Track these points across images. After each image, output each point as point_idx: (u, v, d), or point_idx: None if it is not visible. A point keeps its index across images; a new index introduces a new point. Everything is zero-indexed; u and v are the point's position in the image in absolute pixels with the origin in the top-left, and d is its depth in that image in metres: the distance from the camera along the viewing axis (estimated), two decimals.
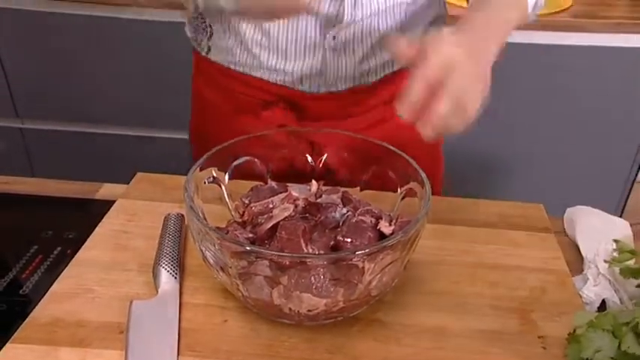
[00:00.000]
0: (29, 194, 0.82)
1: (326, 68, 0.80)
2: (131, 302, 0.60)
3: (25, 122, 1.85)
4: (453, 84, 0.56)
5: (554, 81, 1.64)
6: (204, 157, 0.65)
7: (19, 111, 1.82)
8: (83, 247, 0.68)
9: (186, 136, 1.00)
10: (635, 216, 0.67)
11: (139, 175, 0.82)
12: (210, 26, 0.84)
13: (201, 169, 0.65)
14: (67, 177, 0.85)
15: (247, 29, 0.80)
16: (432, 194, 0.60)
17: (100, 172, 1.01)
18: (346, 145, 0.72)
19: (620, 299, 0.62)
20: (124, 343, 0.56)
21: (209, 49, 0.86)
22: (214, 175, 0.67)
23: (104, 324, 0.58)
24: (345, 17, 0.76)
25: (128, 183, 0.81)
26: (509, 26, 0.69)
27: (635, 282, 0.59)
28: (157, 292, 0.61)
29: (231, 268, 0.54)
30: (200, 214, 0.59)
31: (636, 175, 1.78)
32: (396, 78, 0.85)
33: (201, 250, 0.57)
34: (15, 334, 0.56)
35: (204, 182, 0.66)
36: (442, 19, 0.89)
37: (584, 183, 1.75)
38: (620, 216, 1.91)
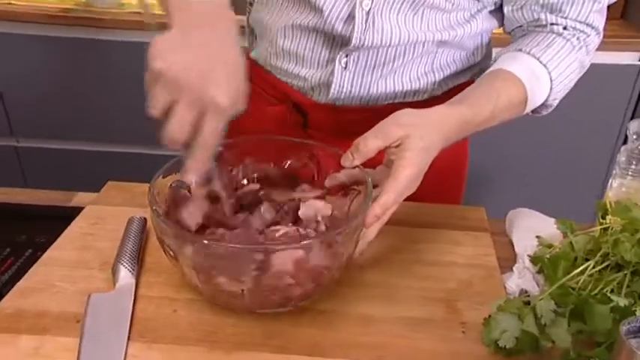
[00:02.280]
0: (6, 202, 0.88)
1: (334, 82, 0.84)
2: (89, 295, 0.65)
3: (20, 141, 1.92)
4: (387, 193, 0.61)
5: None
6: (171, 162, 0.70)
7: (14, 130, 1.89)
8: (50, 247, 0.74)
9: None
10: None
11: (110, 183, 0.88)
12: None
13: (164, 176, 0.69)
14: (57, 189, 0.91)
15: (273, 32, 0.86)
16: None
17: (90, 185, 1.07)
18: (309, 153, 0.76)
19: (540, 290, 0.67)
20: (80, 331, 0.61)
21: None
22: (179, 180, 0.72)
23: (63, 314, 0.64)
24: (354, 41, 0.78)
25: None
26: (481, 126, 0.73)
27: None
28: (115, 286, 0.67)
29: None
30: (160, 210, 0.64)
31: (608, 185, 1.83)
32: (411, 105, 0.85)
33: (161, 241, 0.62)
34: None
35: (171, 185, 0.70)
36: (486, 58, 0.89)
37: (557, 193, 1.80)
38: None
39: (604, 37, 1.68)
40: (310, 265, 0.58)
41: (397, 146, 0.63)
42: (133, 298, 0.66)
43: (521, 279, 0.69)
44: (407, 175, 0.62)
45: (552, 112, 1.72)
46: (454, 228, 0.80)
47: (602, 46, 1.60)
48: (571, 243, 0.56)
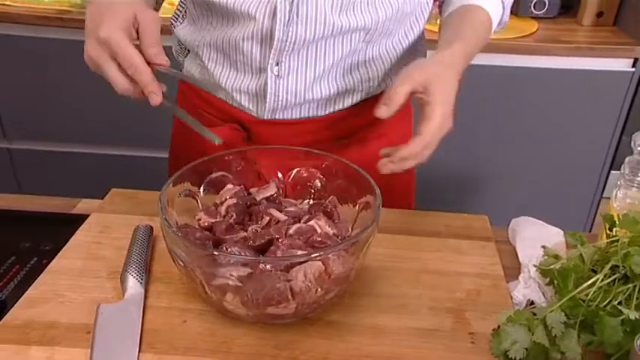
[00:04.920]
0: (10, 209, 0.87)
1: (269, 92, 0.82)
2: (99, 305, 0.65)
3: (12, 143, 1.91)
4: (429, 142, 0.69)
5: (519, 101, 1.72)
6: (180, 172, 0.71)
7: (7, 132, 1.88)
8: (57, 256, 0.74)
9: (162, 155, 1.06)
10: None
11: (113, 190, 0.88)
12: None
13: (174, 184, 0.70)
14: (51, 194, 0.91)
15: (201, 50, 0.86)
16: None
17: (81, 189, 1.07)
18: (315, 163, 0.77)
19: (546, 300, 0.68)
20: (90, 342, 0.61)
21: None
22: (189, 189, 0.73)
23: (73, 325, 0.63)
24: (277, 34, 0.77)
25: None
26: (474, 54, 0.80)
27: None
28: (124, 296, 0.67)
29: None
30: (173, 221, 0.65)
31: (602, 191, 1.86)
32: (349, 114, 0.87)
33: (173, 252, 0.62)
34: None
35: (179, 195, 0.71)
36: (419, 53, 0.90)
37: (552, 199, 1.82)
38: (590, 231, 1.98)
39: (597, 43, 1.71)
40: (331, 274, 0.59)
41: (422, 92, 0.71)
42: (142, 308, 0.66)
43: (527, 289, 0.70)
44: (438, 112, 0.70)
45: (546, 116, 1.75)
46: (458, 237, 0.81)
47: (596, 53, 1.64)
48: (581, 255, 0.57)
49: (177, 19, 0.92)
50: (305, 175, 0.78)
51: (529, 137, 1.78)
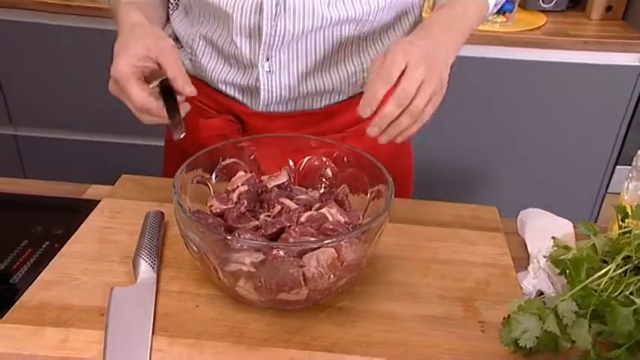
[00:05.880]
0: (22, 194, 0.88)
1: (262, 89, 0.82)
2: (112, 288, 0.66)
3: (18, 130, 1.91)
4: (401, 89, 0.63)
5: (527, 94, 1.72)
6: (193, 157, 0.71)
7: (13, 119, 1.88)
8: (70, 240, 0.74)
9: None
10: (608, 225, 0.72)
11: (124, 176, 0.88)
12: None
13: (187, 170, 0.70)
14: (57, 180, 0.91)
15: (194, 43, 0.86)
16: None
17: (87, 176, 1.07)
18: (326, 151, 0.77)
19: (555, 290, 0.69)
20: (104, 324, 0.61)
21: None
22: (202, 175, 0.73)
23: (86, 308, 0.64)
24: (265, 28, 0.76)
25: (114, 184, 0.87)
26: (468, 27, 0.75)
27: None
28: (136, 280, 0.68)
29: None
30: (186, 207, 0.66)
31: (607, 186, 1.86)
32: (343, 107, 0.86)
33: (186, 237, 0.63)
34: (6, 315, 0.62)
35: (192, 181, 0.71)
36: None
37: (559, 194, 1.82)
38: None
39: (605, 37, 1.70)
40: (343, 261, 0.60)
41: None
42: (154, 292, 0.66)
43: (536, 279, 0.70)
44: (396, 58, 0.64)
45: (553, 110, 1.74)
46: (467, 227, 0.81)
47: (604, 47, 1.63)
48: (594, 245, 0.57)
49: (172, 7, 0.92)
50: (316, 163, 0.78)
51: (535, 131, 1.77)
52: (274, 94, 0.83)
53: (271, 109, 0.86)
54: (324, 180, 0.78)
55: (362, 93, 0.75)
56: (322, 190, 0.77)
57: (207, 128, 0.86)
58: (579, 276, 0.56)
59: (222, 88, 0.87)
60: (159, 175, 0.88)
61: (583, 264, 0.56)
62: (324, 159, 0.78)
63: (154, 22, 0.80)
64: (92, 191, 0.88)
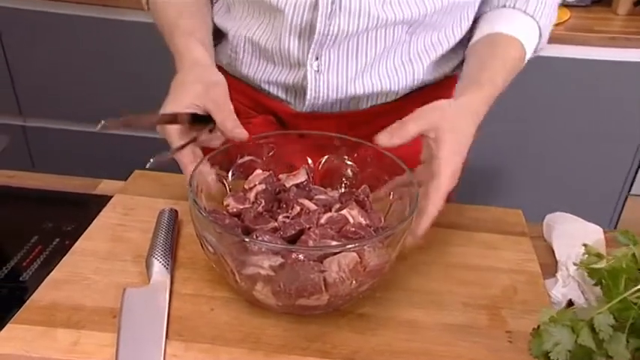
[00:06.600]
0: (32, 188, 0.86)
1: (310, 88, 0.80)
2: (124, 289, 0.64)
3: (27, 120, 1.89)
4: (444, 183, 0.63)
5: (549, 92, 1.68)
6: (210, 154, 0.69)
7: (23, 109, 1.86)
8: (81, 237, 0.72)
9: None
10: (629, 228, 0.69)
11: (137, 172, 0.86)
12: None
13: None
14: (66, 173, 0.89)
15: (237, 42, 0.83)
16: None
17: (98, 170, 1.06)
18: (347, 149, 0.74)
19: (586, 300, 0.66)
20: (117, 327, 0.59)
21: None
22: (218, 172, 0.71)
23: (98, 309, 0.62)
24: (319, 26, 0.74)
25: (126, 180, 0.85)
26: (495, 94, 0.74)
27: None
28: (149, 281, 0.65)
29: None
30: (202, 205, 0.63)
31: (630, 188, 1.81)
32: (391, 109, 0.84)
33: (203, 238, 0.60)
34: (16, 315, 0.60)
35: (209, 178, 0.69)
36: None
37: (579, 195, 1.78)
38: (615, 228, 1.93)
39: (633, 33, 1.63)
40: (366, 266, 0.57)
41: (433, 138, 0.65)
42: (168, 294, 0.64)
43: (565, 288, 0.67)
44: (447, 174, 0.64)
45: (577, 109, 1.69)
46: (491, 231, 0.78)
47: (631, 43, 1.58)
48: (633, 255, 0.54)
49: (214, 1, 0.89)
50: (336, 162, 0.76)
51: (556, 129, 1.73)
52: (321, 94, 0.81)
53: (315, 110, 0.83)
54: (343, 180, 0.75)
55: (408, 95, 0.75)
56: (342, 190, 0.75)
57: (247, 129, 0.84)
58: (617, 288, 0.53)
59: (265, 87, 0.85)
60: (172, 171, 0.86)
61: (622, 275, 0.53)
62: (345, 157, 0.75)
63: (211, 51, 0.79)
64: (104, 186, 0.86)
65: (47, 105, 1.85)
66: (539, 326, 0.57)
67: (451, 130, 0.65)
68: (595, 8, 1.78)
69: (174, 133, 0.69)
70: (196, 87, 0.70)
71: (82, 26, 1.68)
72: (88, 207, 0.80)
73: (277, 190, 0.71)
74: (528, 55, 0.80)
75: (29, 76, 1.81)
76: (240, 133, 0.68)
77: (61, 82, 1.80)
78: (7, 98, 1.83)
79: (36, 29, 1.71)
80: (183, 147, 0.68)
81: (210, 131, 0.70)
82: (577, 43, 1.60)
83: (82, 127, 1.86)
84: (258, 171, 0.73)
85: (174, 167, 0.78)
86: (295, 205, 0.68)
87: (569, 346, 0.54)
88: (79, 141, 1.88)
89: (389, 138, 0.65)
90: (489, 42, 0.78)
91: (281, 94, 0.84)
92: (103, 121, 0.60)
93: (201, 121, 0.70)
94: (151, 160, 0.63)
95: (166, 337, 0.59)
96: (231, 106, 0.70)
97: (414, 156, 0.70)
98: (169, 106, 0.69)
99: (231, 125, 0.68)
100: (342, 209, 0.67)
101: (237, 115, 0.70)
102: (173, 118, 0.68)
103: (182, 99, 0.69)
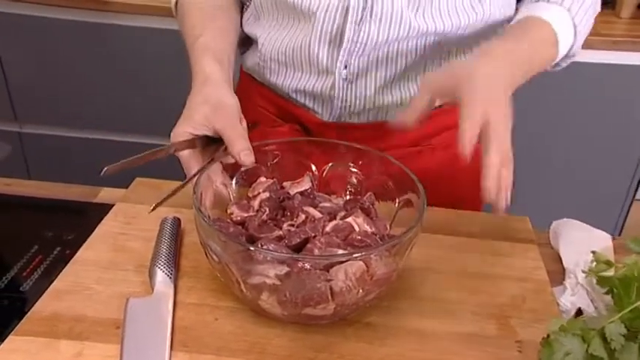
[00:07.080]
0: (31, 196, 0.85)
1: (337, 97, 0.79)
2: (127, 300, 0.63)
3: (23, 127, 1.87)
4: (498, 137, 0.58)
5: (553, 97, 1.67)
6: (213, 163, 0.68)
7: (18, 115, 1.85)
8: (82, 247, 0.71)
9: None
10: (635, 234, 0.68)
11: (138, 180, 0.85)
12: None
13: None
14: (62, 181, 0.88)
15: (266, 50, 0.82)
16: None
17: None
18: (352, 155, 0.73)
19: (595, 308, 0.65)
20: (120, 338, 0.58)
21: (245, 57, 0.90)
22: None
23: (101, 320, 0.61)
24: (348, 33, 0.74)
25: (127, 188, 0.84)
26: (528, 65, 0.69)
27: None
28: (153, 290, 0.64)
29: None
30: (206, 214, 0.62)
31: (635, 193, 1.80)
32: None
33: (207, 246, 0.60)
34: (17, 327, 0.59)
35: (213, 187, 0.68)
36: None
37: (584, 200, 1.77)
38: (620, 234, 1.91)
39: (637, 36, 1.61)
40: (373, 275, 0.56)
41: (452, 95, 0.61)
42: (172, 304, 0.63)
43: (574, 296, 0.66)
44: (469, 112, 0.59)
45: (581, 113, 1.67)
46: (498, 238, 0.77)
47: (636, 47, 1.57)
48: None
49: (244, 8, 0.88)
50: (340, 169, 0.75)
51: (561, 134, 1.72)
52: (349, 104, 0.80)
53: (343, 120, 0.82)
54: (348, 187, 0.74)
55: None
56: (346, 198, 0.74)
57: (273, 137, 0.82)
58: (628, 296, 0.52)
59: (292, 95, 0.84)
60: (174, 178, 0.85)
61: (634, 283, 0.52)
62: (350, 164, 0.74)
63: (227, 68, 0.75)
64: (104, 194, 0.85)
65: (43, 111, 1.83)
66: (548, 335, 0.56)
67: (469, 80, 0.60)
68: (598, 12, 1.77)
69: (189, 160, 0.67)
70: (204, 108, 0.68)
71: (78, 32, 1.67)
72: (89, 215, 0.79)
73: (281, 197, 0.71)
74: (562, 50, 0.74)
75: (24, 82, 1.79)
76: (247, 157, 0.66)
77: (57, 87, 1.78)
78: (2, 105, 1.82)
79: (31, 35, 1.69)
80: (200, 172, 0.66)
81: (225, 149, 0.68)
82: (583, 46, 1.59)
83: (78, 133, 1.85)
84: (262, 178, 0.73)
85: (176, 175, 0.78)
86: (300, 213, 0.67)
87: (579, 355, 0.53)
88: (77, 148, 1.87)
89: (404, 116, 0.63)
90: (520, 23, 0.72)
91: (308, 103, 0.83)
92: (106, 168, 0.62)
93: (215, 141, 0.69)
94: (105, 168, 0.63)
95: (170, 348, 0.58)
96: (241, 128, 0.67)
97: (473, 176, 0.68)
98: (180, 127, 0.67)
99: (237, 149, 0.65)
100: (347, 217, 0.66)
101: (264, 123, 0.68)
102: (187, 145, 0.67)
103: (190, 120, 0.68)
